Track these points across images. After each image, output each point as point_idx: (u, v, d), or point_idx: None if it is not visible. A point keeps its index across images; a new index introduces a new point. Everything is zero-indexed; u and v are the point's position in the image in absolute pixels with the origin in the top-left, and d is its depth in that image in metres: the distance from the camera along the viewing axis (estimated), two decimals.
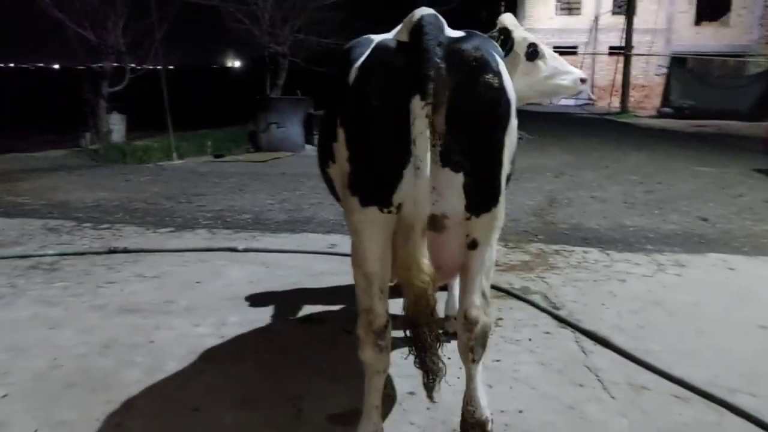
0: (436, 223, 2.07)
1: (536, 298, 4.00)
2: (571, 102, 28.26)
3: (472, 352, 2.26)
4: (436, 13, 2.03)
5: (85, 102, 11.15)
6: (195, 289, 4.20)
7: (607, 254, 5.06)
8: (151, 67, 12.74)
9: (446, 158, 1.99)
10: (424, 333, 2.15)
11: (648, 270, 4.64)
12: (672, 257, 4.98)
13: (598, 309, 3.86)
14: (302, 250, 5.09)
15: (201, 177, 9.04)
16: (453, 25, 2.21)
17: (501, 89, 2.03)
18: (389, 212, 2.02)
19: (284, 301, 3.99)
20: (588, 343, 3.35)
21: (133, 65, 12.45)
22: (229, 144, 13.19)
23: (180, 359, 3.14)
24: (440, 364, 2.25)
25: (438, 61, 1.89)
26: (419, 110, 1.85)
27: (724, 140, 15.11)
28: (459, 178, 2.02)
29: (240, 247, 5.10)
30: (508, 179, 2.31)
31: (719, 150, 12.96)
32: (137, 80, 12.49)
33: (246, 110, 13.84)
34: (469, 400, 2.38)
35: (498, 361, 3.12)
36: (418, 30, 1.94)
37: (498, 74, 2.03)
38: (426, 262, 1.97)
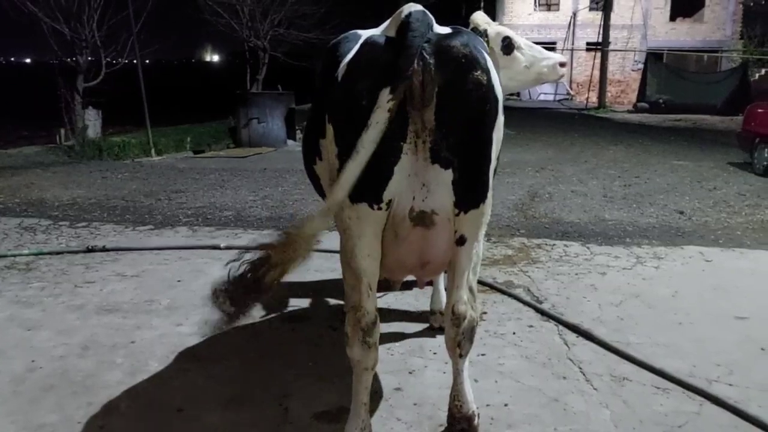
0: (425, 219, 2.07)
1: (519, 292, 4.03)
2: (550, 97, 28.56)
3: (459, 347, 2.28)
4: (425, 10, 2.03)
5: (60, 97, 10.89)
6: (176, 287, 4.15)
7: (588, 248, 5.13)
8: (127, 61, 12.48)
9: (435, 155, 1.98)
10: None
11: (627, 263, 4.72)
12: (650, 250, 5.06)
13: (579, 302, 3.91)
14: None
15: (180, 173, 8.93)
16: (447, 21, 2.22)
17: (489, 86, 2.03)
18: (379, 209, 2.01)
19: (268, 298, 3.96)
20: (571, 336, 3.39)
21: (110, 59, 12.18)
22: (209, 140, 13.04)
23: (162, 359, 3.10)
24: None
25: (426, 57, 1.90)
26: (384, 102, 1.86)
27: (699, 134, 15.39)
28: (448, 175, 2.02)
29: (222, 245, 5.05)
30: (494, 174, 2.32)
31: (694, 144, 13.20)
32: (114, 74, 12.24)
33: (226, 105, 13.68)
34: (456, 394, 2.40)
35: (483, 355, 3.14)
36: (405, 26, 1.94)
37: (486, 71, 2.03)
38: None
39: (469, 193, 2.08)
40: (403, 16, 1.98)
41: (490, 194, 2.18)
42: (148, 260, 4.73)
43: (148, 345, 3.27)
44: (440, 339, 3.26)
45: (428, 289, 3.53)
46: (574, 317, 3.60)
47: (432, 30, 2.01)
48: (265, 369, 3.00)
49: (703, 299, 3.97)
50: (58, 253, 4.89)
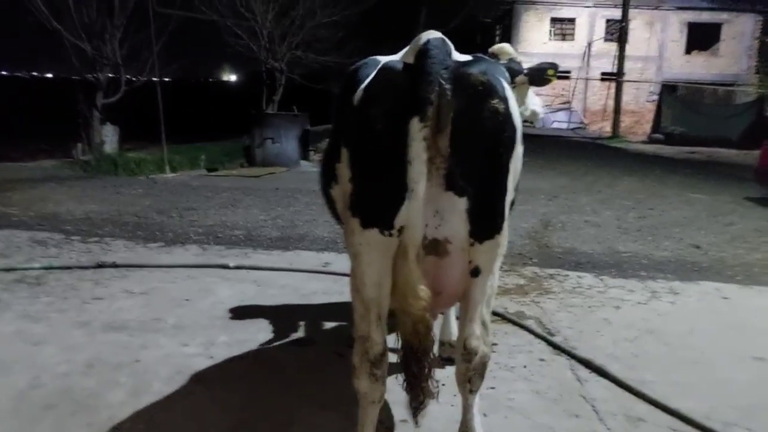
0: (438, 248, 2.03)
1: (531, 324, 3.95)
2: (563, 125, 28.58)
3: (470, 383, 2.21)
4: (444, 37, 2.02)
5: (79, 112, 11.07)
6: (184, 306, 4.12)
7: (602, 280, 5.04)
8: (147, 79, 12.70)
9: (450, 182, 1.96)
10: (420, 360, 2.04)
11: (642, 297, 4.62)
12: (666, 285, 4.96)
13: (593, 336, 3.82)
14: (295, 269, 5.02)
15: (193, 191, 8.97)
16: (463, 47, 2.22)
17: (507, 115, 2.02)
18: (390, 235, 1.96)
19: (275, 321, 3.92)
20: (583, 372, 3.30)
21: (129, 77, 12.40)
22: (223, 158, 13.17)
23: (166, 380, 3.05)
24: (431, 389, 2.12)
25: (443, 83, 1.88)
26: (417, 132, 1.85)
27: (715, 168, 15.27)
28: (462, 203, 1.99)
29: (231, 264, 5.03)
30: (511, 205, 2.27)
31: (710, 177, 13.08)
32: (133, 92, 12.45)
33: (241, 125, 13.83)
34: (465, 430, 2.33)
35: (492, 388, 3.06)
36: (423, 53, 1.93)
37: (504, 99, 2.01)
38: (423, 288, 1.92)
39: (484, 222, 2.04)
40: (421, 43, 1.97)
41: (506, 225, 2.13)
42: (157, 278, 4.71)
43: (152, 365, 3.23)
44: (450, 370, 3.18)
45: (440, 318, 3.47)
46: (587, 352, 3.51)
47: (451, 57, 1.99)
48: (270, 395, 2.94)
49: (719, 337, 3.86)
50: (68, 268, 4.88)
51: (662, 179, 12.23)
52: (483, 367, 2.21)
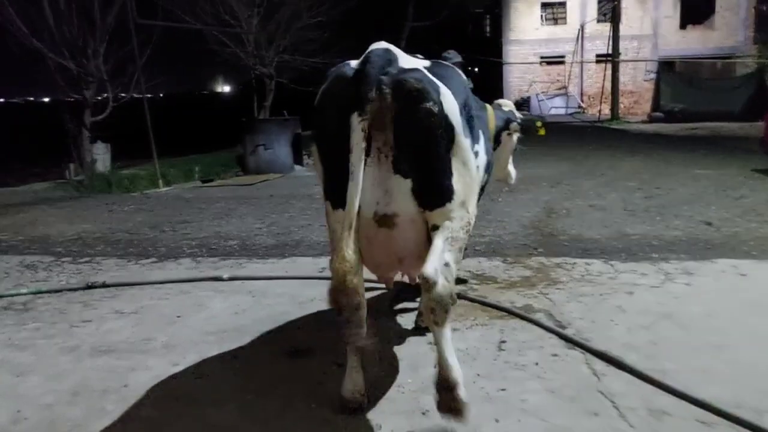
0: (387, 222, 2.42)
1: (540, 317, 3.74)
2: (561, 111, 28.32)
3: (433, 314, 2.42)
4: (389, 48, 2.45)
5: (68, 132, 10.90)
6: (175, 324, 3.93)
7: (611, 265, 4.82)
8: (137, 94, 12.52)
9: (396, 167, 2.38)
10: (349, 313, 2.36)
11: (655, 280, 4.40)
12: (679, 265, 4.73)
13: (606, 326, 3.61)
14: (291, 276, 4.83)
15: (187, 203, 8.79)
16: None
17: (441, 116, 2.37)
18: (344, 210, 2.32)
19: (271, 332, 3.72)
20: (600, 365, 3.09)
21: (123, 93, 12.23)
22: (217, 168, 12.98)
23: (155, 404, 2.87)
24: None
25: (383, 87, 2.27)
26: (356, 125, 2.25)
27: (719, 142, 14.99)
28: (407, 183, 2.39)
29: (225, 276, 4.84)
30: (483, 189, 2.98)
31: (715, 152, 12.82)
32: (123, 108, 12.28)
33: (235, 134, 13.66)
34: (438, 362, 2.49)
35: (503, 390, 2.85)
36: (365, 61, 2.36)
37: (438, 103, 2.37)
38: (350, 253, 2.26)
39: (429, 197, 2.43)
40: (366, 52, 2.39)
41: (456, 197, 2.46)
42: (149, 295, 4.53)
43: (141, 388, 3.04)
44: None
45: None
46: (601, 343, 3.30)
47: (394, 64, 2.37)
48: (263, 414, 2.74)
49: (741, 318, 3.64)
50: (56, 291, 4.71)
51: (666, 157, 11.98)
52: (444, 299, 2.39)
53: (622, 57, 25.70)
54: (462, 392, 2.40)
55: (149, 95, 11.94)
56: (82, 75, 11.00)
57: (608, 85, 25.15)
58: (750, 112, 20.03)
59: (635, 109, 27.76)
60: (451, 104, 2.44)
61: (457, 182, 2.48)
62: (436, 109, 2.35)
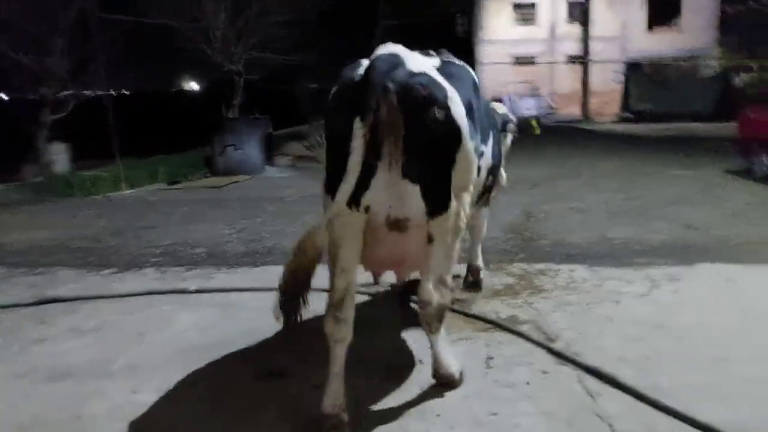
0: (400, 225, 2.45)
1: (527, 329, 3.56)
2: (533, 112, 28.44)
3: (428, 325, 2.72)
4: (395, 52, 2.45)
5: (23, 132, 10.32)
6: (138, 342, 3.63)
7: (595, 271, 4.68)
8: (100, 93, 11.98)
9: (406, 172, 2.38)
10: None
11: (642, 287, 4.27)
12: (665, 271, 4.61)
13: (596, 337, 3.44)
14: (263, 287, 4.52)
15: (151, 207, 8.40)
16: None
17: (448, 120, 2.41)
18: (357, 211, 2.39)
19: (242, 351, 3.45)
20: (593, 383, 2.91)
21: (86, 91, 11.67)
22: (185, 170, 12.48)
23: None
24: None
25: (388, 94, 2.25)
26: (358, 130, 2.28)
27: (689, 143, 15.14)
28: (417, 188, 2.42)
29: (191, 288, 4.54)
30: (489, 190, 3.34)
31: (688, 152, 12.91)
32: (85, 106, 11.74)
33: (204, 134, 13.21)
34: (434, 360, 2.84)
35: (495, 414, 2.65)
36: (371, 68, 2.38)
37: (445, 108, 2.41)
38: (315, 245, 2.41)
39: (433, 202, 2.46)
40: (372, 57, 2.42)
41: (453, 204, 2.52)
42: (110, 309, 4.21)
43: (96, 419, 2.76)
44: (444, 398, 2.79)
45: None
46: (592, 357, 3.13)
47: (401, 68, 2.37)
48: None
49: (734, 327, 3.52)
50: (7, 306, 4.34)
51: (642, 158, 12.05)
52: (438, 314, 2.67)
53: (591, 58, 25.95)
54: (456, 378, 2.86)
55: (113, 92, 11.43)
56: (41, 72, 10.43)
57: (578, 86, 25.38)
58: (717, 112, 20.42)
59: (604, 109, 28.00)
60: (458, 108, 2.48)
61: (456, 188, 2.54)
62: (442, 115, 2.39)
